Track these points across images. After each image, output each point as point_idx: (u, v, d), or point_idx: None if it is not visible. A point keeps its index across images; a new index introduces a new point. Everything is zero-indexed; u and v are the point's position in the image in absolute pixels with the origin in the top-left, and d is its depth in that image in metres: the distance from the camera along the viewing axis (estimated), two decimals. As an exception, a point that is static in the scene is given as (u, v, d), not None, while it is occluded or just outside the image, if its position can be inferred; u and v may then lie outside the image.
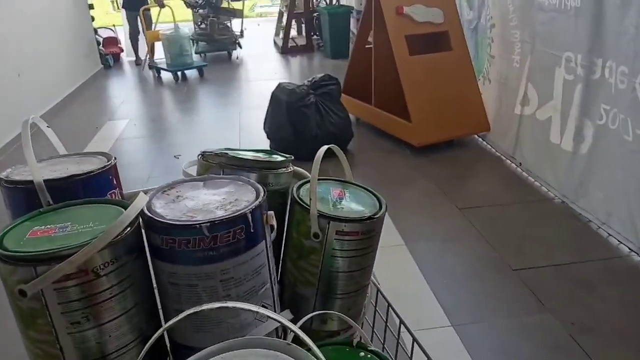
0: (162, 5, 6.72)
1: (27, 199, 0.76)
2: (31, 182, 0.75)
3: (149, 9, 6.67)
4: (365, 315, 0.94)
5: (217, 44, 7.32)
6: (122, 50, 7.52)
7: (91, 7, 6.66)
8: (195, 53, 7.49)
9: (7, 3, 4.44)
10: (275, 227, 0.76)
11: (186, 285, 0.70)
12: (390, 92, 3.73)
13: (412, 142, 3.58)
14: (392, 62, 3.56)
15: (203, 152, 0.88)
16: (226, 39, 7.06)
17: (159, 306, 0.76)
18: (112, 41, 7.34)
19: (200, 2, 7.16)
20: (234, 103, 5.21)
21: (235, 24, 7.47)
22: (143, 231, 0.70)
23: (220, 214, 0.69)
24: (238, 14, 7.29)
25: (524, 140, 3.21)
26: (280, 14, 8.39)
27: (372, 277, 0.93)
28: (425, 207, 2.89)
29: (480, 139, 3.80)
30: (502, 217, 2.75)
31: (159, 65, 6.41)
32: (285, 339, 0.74)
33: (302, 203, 0.82)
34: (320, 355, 0.51)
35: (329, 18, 6.72)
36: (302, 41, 7.56)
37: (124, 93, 5.86)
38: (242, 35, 7.35)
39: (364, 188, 0.92)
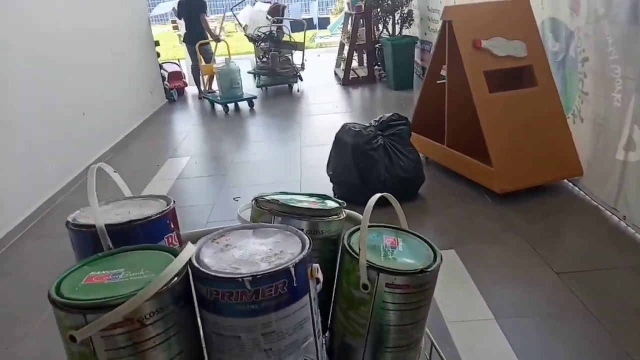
0: (217, 40, 7.25)
1: (90, 241, 0.83)
2: (94, 226, 0.82)
3: (207, 43, 7.05)
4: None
5: (278, 78, 7.46)
6: (186, 85, 7.65)
7: (157, 44, 6.80)
8: (257, 87, 7.58)
9: (80, 53, 4.87)
10: (322, 279, 0.77)
11: (230, 336, 0.73)
12: (466, 131, 3.55)
13: (493, 188, 3.18)
14: (468, 99, 3.37)
15: (256, 197, 0.92)
16: (287, 72, 7.22)
17: (205, 354, 0.78)
18: (177, 75, 7.59)
19: (262, 35, 7.12)
20: (295, 139, 5.11)
21: (296, 56, 7.67)
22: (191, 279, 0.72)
23: (264, 266, 0.71)
24: (299, 46, 7.24)
25: (629, 190, 2.75)
26: (341, 46, 8.29)
27: (426, 330, 0.92)
28: (515, 270, 2.63)
29: (571, 184, 3.34)
30: (610, 286, 2.41)
31: (211, 98, 6.87)
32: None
33: (351, 252, 0.83)
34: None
35: (392, 49, 6.70)
36: (363, 72, 7.66)
37: (186, 128, 5.90)
38: (303, 67, 7.30)
39: (419, 237, 0.91)
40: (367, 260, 0.79)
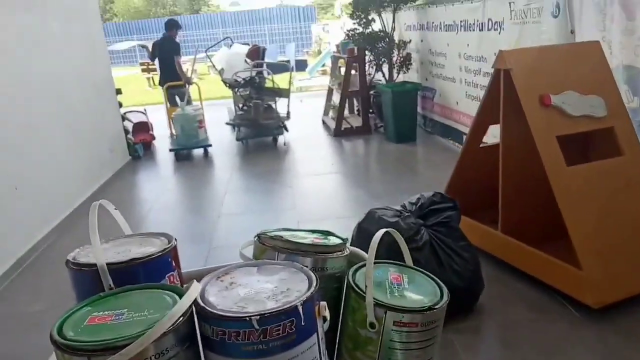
0: (188, 83, 7.37)
1: (91, 281, 0.86)
2: (95, 265, 0.86)
3: (177, 86, 7.22)
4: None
5: (261, 129, 7.01)
6: (154, 138, 6.77)
7: (119, 92, 5.74)
8: (237, 140, 7.17)
9: (13, 106, 3.97)
10: (329, 318, 0.80)
11: None
12: (528, 212, 2.95)
13: (584, 300, 2.22)
14: (533, 169, 2.78)
15: (259, 234, 0.96)
16: (272, 123, 6.91)
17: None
18: (143, 127, 7.34)
19: (240, 81, 6.18)
20: (287, 210, 4.73)
21: (280, 103, 7.27)
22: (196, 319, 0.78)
23: (271, 305, 0.74)
24: (284, 93, 6.49)
25: None
26: (330, 92, 7.74)
27: None
28: None
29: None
30: None
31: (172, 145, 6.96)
32: None
33: (357, 290, 0.85)
34: None
35: (393, 97, 6.40)
36: (356, 122, 7.45)
37: (151, 195, 5.74)
38: (288, 117, 7.22)
39: (423, 273, 0.95)
40: (374, 298, 0.82)
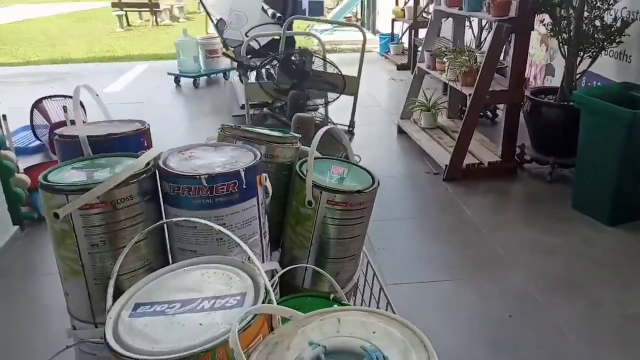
0: None
1: (73, 150, 1.14)
2: (77, 137, 1.16)
3: None
4: (357, 283, 1.21)
5: None
6: None
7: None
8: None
9: None
10: (270, 190, 1.06)
11: (187, 227, 1.01)
12: None
13: None
14: None
15: (223, 125, 1.22)
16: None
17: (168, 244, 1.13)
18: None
19: (267, 58, 3.52)
20: None
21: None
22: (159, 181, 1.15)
23: (219, 170, 1.03)
24: (350, 86, 3.57)
25: None
26: (419, 76, 5.12)
27: (364, 249, 1.21)
28: None
29: None
30: None
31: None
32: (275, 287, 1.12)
33: (301, 175, 1.13)
34: (266, 280, 0.76)
35: (633, 127, 3.00)
36: (492, 153, 4.27)
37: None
38: (352, 132, 3.81)
39: (363, 168, 1.21)
40: (313, 181, 1.08)
